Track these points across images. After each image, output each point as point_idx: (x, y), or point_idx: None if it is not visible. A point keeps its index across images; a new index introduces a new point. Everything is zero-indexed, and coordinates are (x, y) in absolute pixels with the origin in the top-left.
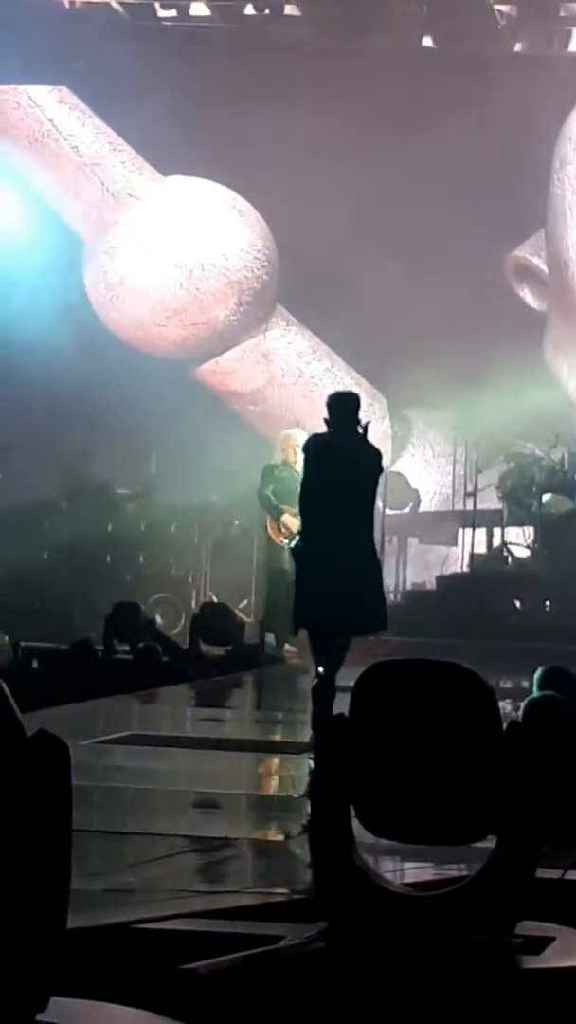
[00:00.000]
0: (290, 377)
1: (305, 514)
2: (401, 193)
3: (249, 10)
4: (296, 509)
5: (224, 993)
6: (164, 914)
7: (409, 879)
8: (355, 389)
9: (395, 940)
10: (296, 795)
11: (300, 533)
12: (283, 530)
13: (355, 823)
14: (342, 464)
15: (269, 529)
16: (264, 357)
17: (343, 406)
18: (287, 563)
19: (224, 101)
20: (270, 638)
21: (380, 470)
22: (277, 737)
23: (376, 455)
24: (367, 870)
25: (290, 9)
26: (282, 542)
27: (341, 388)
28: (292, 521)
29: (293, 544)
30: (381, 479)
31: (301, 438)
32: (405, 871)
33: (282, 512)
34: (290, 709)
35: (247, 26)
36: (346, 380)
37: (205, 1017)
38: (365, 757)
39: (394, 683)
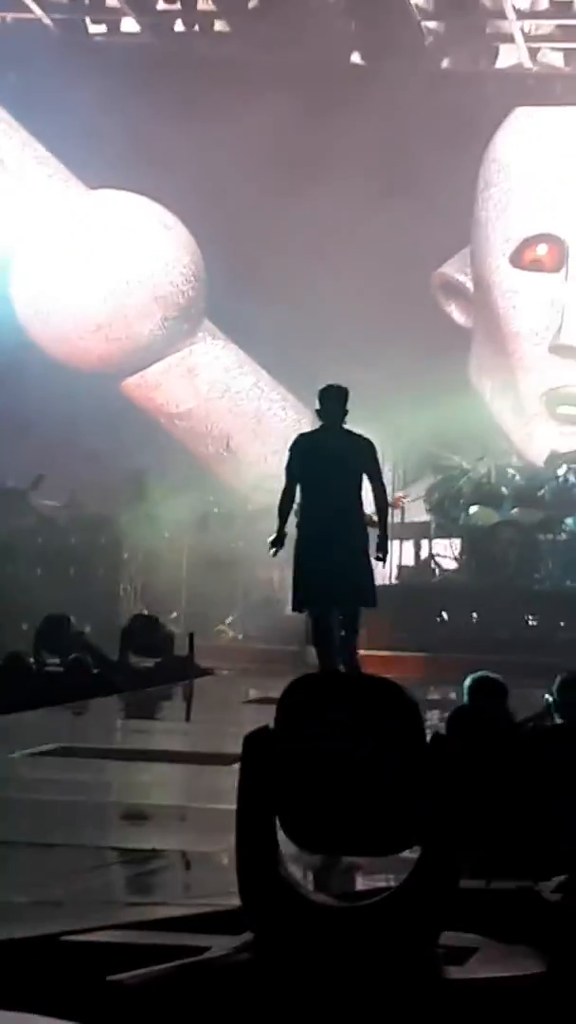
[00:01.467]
0: (216, 391)
1: (284, 512)
2: (329, 208)
3: (179, 26)
4: None
5: (151, 1004)
6: (92, 926)
7: (335, 890)
8: (280, 404)
9: (320, 951)
10: (224, 807)
11: (299, 525)
12: None
13: (281, 835)
14: (327, 460)
15: None
16: (190, 371)
17: (329, 399)
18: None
19: (152, 116)
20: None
21: (368, 460)
22: (206, 748)
23: (363, 447)
24: (292, 882)
25: (219, 26)
26: None
27: (267, 403)
28: None
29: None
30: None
31: None
32: (331, 882)
33: None
34: (219, 720)
35: (177, 42)
36: (272, 395)
37: None
38: (290, 769)
39: (319, 695)
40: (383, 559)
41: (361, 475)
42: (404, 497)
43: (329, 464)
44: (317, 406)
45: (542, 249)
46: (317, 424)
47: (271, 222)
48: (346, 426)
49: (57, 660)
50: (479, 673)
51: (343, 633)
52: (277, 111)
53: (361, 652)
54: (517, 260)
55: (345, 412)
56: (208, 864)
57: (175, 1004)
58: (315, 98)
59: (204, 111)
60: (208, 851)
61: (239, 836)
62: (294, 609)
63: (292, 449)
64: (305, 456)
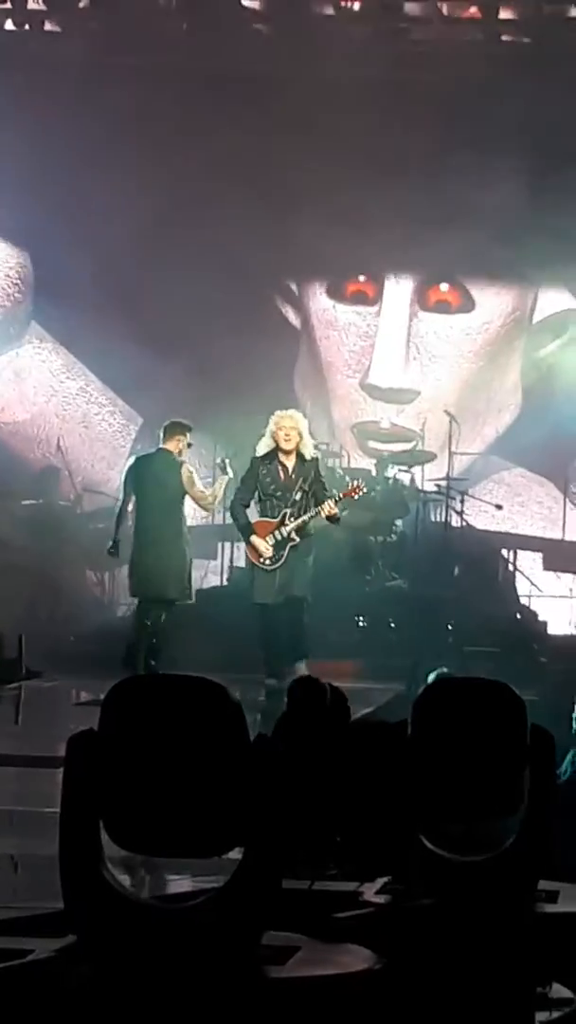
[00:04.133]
0: (43, 395)
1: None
2: (158, 210)
3: (9, 25)
4: (277, 515)
5: None
6: None
7: (158, 892)
8: (109, 408)
9: (143, 952)
10: (52, 810)
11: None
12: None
13: (105, 837)
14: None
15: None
16: (16, 375)
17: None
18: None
19: None
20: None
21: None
22: (34, 751)
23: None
24: (115, 884)
25: (50, 25)
26: (263, 563)
27: (95, 406)
28: (260, 543)
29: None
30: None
31: (300, 421)
32: (162, 884)
33: (251, 532)
34: (47, 723)
35: (5, 41)
36: (101, 399)
37: None
38: (114, 771)
39: (142, 697)
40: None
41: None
42: (360, 488)
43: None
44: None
45: (360, 282)
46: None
47: (101, 225)
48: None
49: None
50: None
51: None
52: (109, 111)
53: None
54: (335, 292)
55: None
56: (34, 867)
57: None
58: (148, 99)
59: (32, 112)
60: (35, 854)
61: (62, 838)
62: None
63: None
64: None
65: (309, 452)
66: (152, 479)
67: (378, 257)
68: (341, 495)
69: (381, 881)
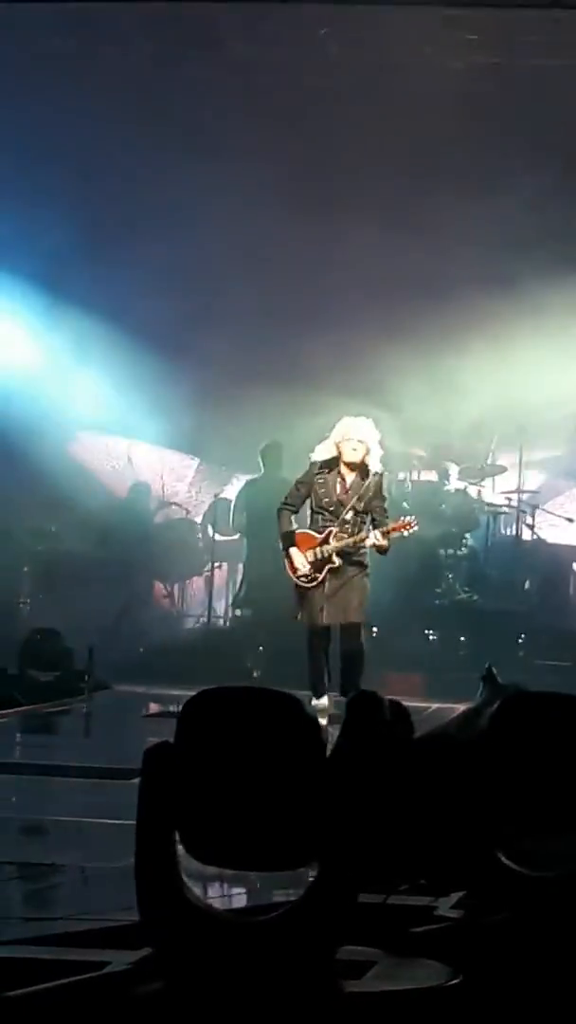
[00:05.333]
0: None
1: None
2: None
3: None
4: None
5: (48, 1021)
6: None
7: (236, 905)
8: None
9: (218, 965)
10: (123, 821)
11: None
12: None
13: (181, 849)
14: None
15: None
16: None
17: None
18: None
19: None
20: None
21: None
22: (104, 763)
23: None
24: (192, 896)
25: None
26: (299, 579)
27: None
28: (298, 556)
29: None
30: None
31: (370, 433)
32: (232, 897)
33: (291, 543)
34: (116, 735)
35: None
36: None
37: None
38: (190, 784)
39: (220, 710)
40: None
41: None
42: (410, 525)
43: None
44: None
45: None
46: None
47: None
48: None
49: None
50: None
51: None
52: None
53: None
54: None
55: None
56: (106, 879)
57: (72, 1021)
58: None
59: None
60: (106, 866)
61: (139, 850)
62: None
63: None
64: None
65: (374, 467)
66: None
67: None
68: (391, 528)
69: (456, 896)
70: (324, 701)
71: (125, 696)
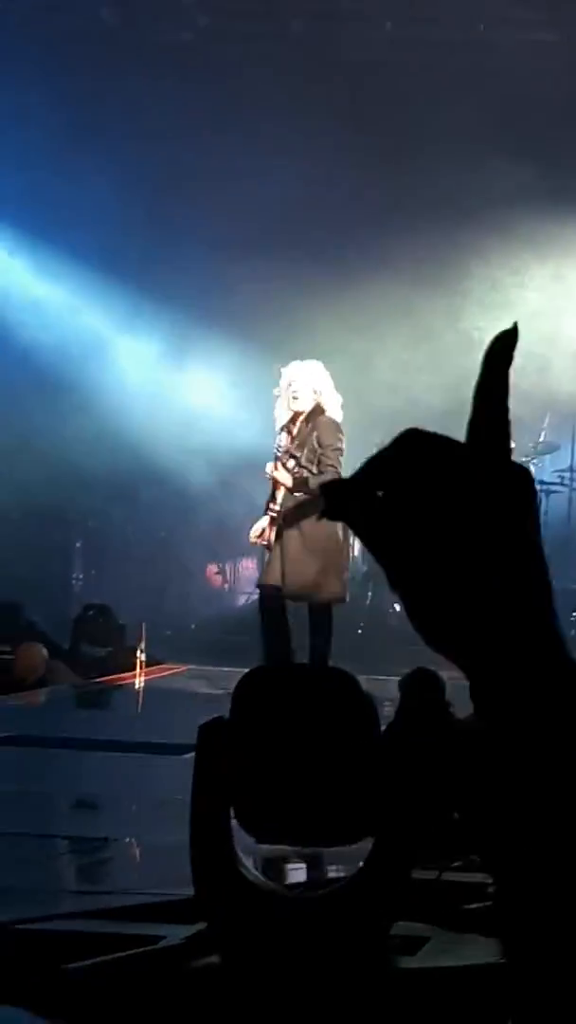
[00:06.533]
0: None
1: None
2: None
3: None
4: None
5: (103, 993)
6: (45, 914)
7: (289, 880)
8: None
9: (274, 940)
10: (175, 796)
11: None
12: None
13: (235, 824)
14: None
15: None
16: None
17: None
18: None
19: None
20: None
21: None
22: (157, 738)
23: None
24: (246, 871)
25: None
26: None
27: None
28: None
29: None
30: None
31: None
32: (285, 872)
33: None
34: (168, 710)
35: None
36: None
37: (83, 1018)
38: (245, 759)
39: (274, 686)
40: None
41: None
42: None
43: None
44: None
45: None
46: None
47: None
48: None
49: (8, 648)
50: (413, 668)
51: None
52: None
53: None
54: None
55: None
56: (160, 853)
57: (127, 993)
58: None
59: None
60: (159, 840)
61: (193, 825)
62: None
63: None
64: None
65: (330, 412)
66: None
67: None
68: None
69: None
70: None
71: (177, 673)
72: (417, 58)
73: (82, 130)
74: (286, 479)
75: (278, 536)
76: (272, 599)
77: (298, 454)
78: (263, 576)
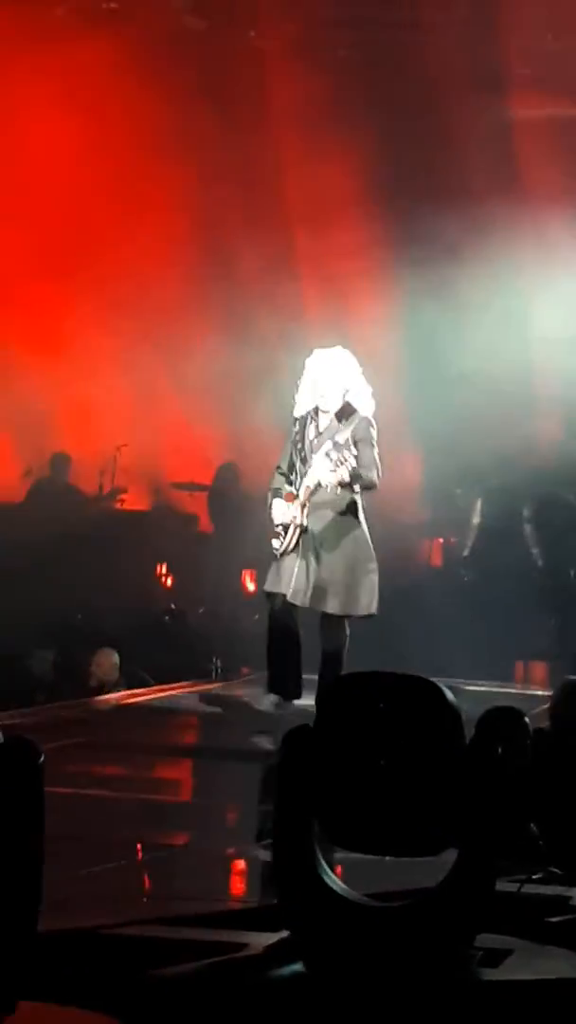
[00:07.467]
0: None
1: None
2: None
3: None
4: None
5: (188, 999)
6: (128, 920)
7: (371, 890)
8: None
9: (358, 950)
10: (253, 804)
11: None
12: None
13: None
14: None
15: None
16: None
17: None
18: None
19: None
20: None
21: None
22: (234, 745)
23: None
24: (329, 880)
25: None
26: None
27: None
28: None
29: None
30: None
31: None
32: (367, 882)
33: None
34: (249, 718)
35: None
36: None
37: (168, 1023)
38: (329, 768)
39: (359, 694)
40: None
41: None
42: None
43: None
44: None
45: None
46: None
47: None
48: None
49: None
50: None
51: None
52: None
53: None
54: None
55: None
56: (244, 860)
57: (212, 1000)
58: None
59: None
60: (239, 848)
61: (277, 833)
62: None
63: None
64: None
65: (359, 408)
66: None
67: None
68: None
69: None
70: (272, 698)
71: (255, 680)
72: None
73: None
74: (343, 474)
75: (302, 536)
76: (289, 611)
77: (333, 454)
78: (283, 584)
